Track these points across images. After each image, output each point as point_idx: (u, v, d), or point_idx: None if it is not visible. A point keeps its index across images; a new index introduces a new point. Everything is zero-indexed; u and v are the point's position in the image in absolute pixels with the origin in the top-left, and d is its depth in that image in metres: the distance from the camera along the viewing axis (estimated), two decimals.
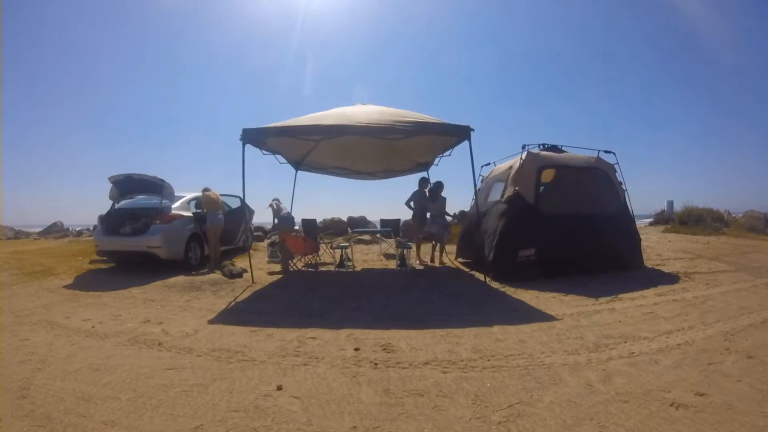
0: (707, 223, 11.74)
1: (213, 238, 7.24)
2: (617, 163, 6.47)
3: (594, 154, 6.51)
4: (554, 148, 6.56)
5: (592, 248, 5.75)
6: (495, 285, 5.35)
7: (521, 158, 6.09)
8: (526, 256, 5.55)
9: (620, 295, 4.68)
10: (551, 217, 5.73)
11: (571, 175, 6.24)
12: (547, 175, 6.62)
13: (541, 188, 5.99)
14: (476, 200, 6.19)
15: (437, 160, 8.56)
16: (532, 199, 5.80)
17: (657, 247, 8.71)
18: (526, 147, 6.15)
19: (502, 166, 6.86)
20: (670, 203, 14.53)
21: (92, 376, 2.70)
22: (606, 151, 6.53)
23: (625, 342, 3.20)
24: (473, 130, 5.50)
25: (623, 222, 6.13)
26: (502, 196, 6.06)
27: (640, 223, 15.05)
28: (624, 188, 6.34)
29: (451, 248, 8.12)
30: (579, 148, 6.79)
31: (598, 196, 6.22)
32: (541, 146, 6.56)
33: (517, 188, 5.88)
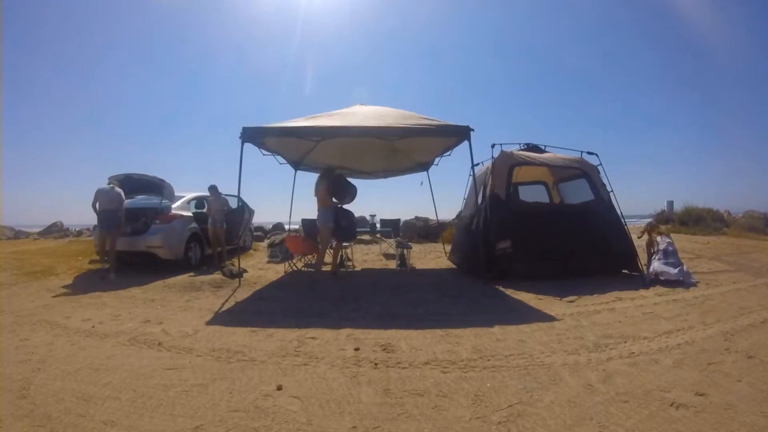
0: (707, 223, 11.76)
1: (220, 237, 7.41)
2: (600, 164, 6.48)
3: (577, 155, 6.54)
4: (535, 148, 6.61)
5: (577, 244, 5.80)
6: (494, 286, 5.35)
7: (492, 157, 6.32)
8: (503, 248, 5.68)
9: (620, 295, 4.68)
10: (524, 211, 5.94)
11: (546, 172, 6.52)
12: (526, 174, 6.85)
13: (517, 186, 6.28)
14: (466, 202, 6.29)
15: (437, 160, 8.56)
16: (504, 195, 5.98)
17: None
18: (495, 146, 6.31)
19: (485, 166, 6.93)
20: (670, 203, 14.53)
21: (92, 376, 2.70)
22: (589, 152, 6.55)
23: (625, 342, 3.19)
24: (473, 130, 5.50)
25: (610, 221, 6.15)
26: (482, 196, 6.19)
27: (640, 224, 15.05)
28: (609, 189, 6.35)
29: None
30: (562, 148, 6.81)
31: (577, 194, 6.42)
32: (522, 145, 6.60)
33: (491, 186, 6.10)
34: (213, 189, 7.49)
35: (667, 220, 13.71)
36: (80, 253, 8.27)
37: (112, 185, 6.59)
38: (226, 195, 8.76)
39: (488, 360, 2.88)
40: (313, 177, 9.55)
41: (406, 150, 7.97)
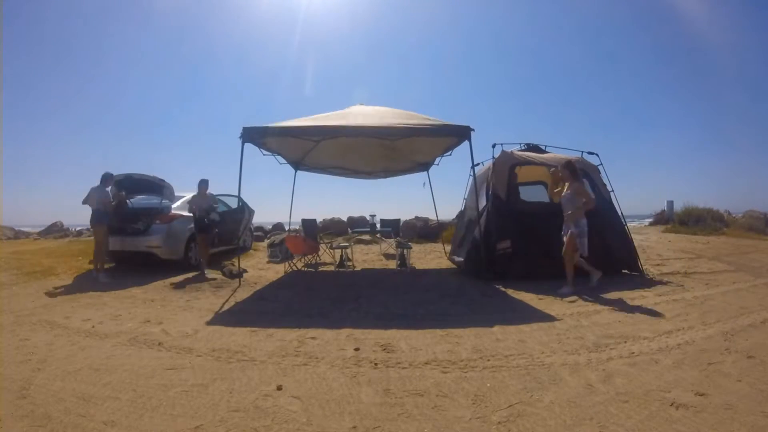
0: (707, 223, 11.77)
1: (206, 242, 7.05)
2: (601, 164, 6.48)
3: (577, 155, 6.53)
4: (536, 148, 6.59)
5: None
6: (494, 286, 5.35)
7: (493, 157, 6.29)
8: (503, 249, 5.68)
9: (620, 295, 4.69)
10: (524, 211, 5.92)
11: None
12: (526, 174, 6.71)
13: (518, 186, 6.22)
14: (466, 202, 6.25)
15: (438, 160, 8.56)
16: (505, 195, 5.97)
17: (657, 247, 8.73)
18: (496, 145, 6.27)
19: (485, 166, 6.91)
20: (670, 203, 14.54)
21: (92, 376, 2.70)
22: (589, 152, 6.54)
23: (625, 342, 3.19)
24: (473, 130, 5.51)
25: (610, 221, 6.14)
26: (482, 196, 6.18)
27: (640, 223, 15.09)
28: (610, 189, 6.34)
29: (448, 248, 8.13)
30: (563, 148, 6.79)
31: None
32: (523, 146, 6.58)
33: (492, 186, 6.08)
34: (204, 184, 7.00)
35: (667, 220, 13.72)
36: (80, 253, 8.26)
37: (105, 186, 6.43)
38: (225, 195, 8.72)
39: (488, 360, 2.88)
40: (313, 177, 9.59)
41: (406, 150, 7.97)
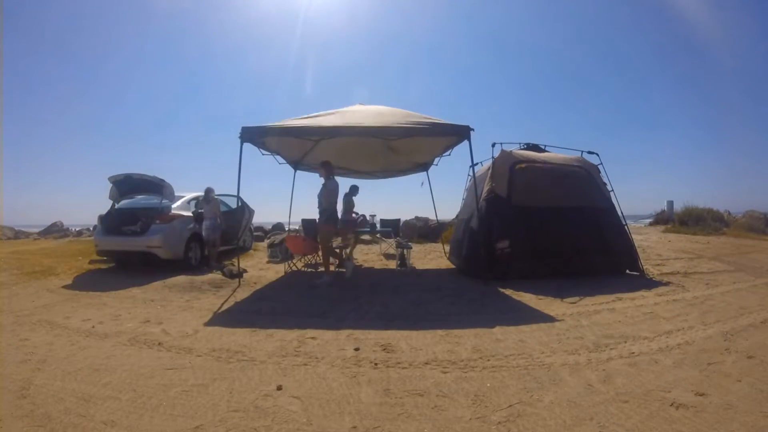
0: (707, 223, 11.77)
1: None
2: (601, 163, 6.47)
3: (577, 154, 6.52)
4: (535, 147, 6.58)
5: (577, 243, 5.77)
6: (494, 286, 5.34)
7: (493, 156, 6.25)
8: (502, 248, 5.66)
9: (620, 295, 4.68)
10: (525, 210, 5.84)
11: (547, 171, 6.20)
12: (524, 172, 6.56)
13: (517, 184, 6.08)
14: (465, 202, 6.23)
15: (437, 160, 8.56)
16: (505, 194, 5.92)
17: (657, 247, 8.72)
18: (496, 145, 6.24)
19: (484, 167, 6.89)
20: (670, 203, 14.56)
21: (92, 376, 2.70)
22: (589, 152, 6.53)
23: (625, 342, 3.20)
24: (473, 129, 5.51)
25: (610, 220, 6.13)
26: (480, 195, 6.14)
27: (639, 223, 15.10)
28: (610, 188, 6.33)
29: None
30: (562, 148, 6.79)
31: (578, 193, 6.18)
32: (522, 145, 6.58)
33: (492, 185, 6.04)
34: (210, 192, 7.46)
35: (667, 220, 13.73)
36: (80, 253, 8.27)
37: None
38: (225, 195, 8.76)
39: (488, 360, 2.88)
40: (313, 177, 9.58)
41: (405, 150, 7.97)
